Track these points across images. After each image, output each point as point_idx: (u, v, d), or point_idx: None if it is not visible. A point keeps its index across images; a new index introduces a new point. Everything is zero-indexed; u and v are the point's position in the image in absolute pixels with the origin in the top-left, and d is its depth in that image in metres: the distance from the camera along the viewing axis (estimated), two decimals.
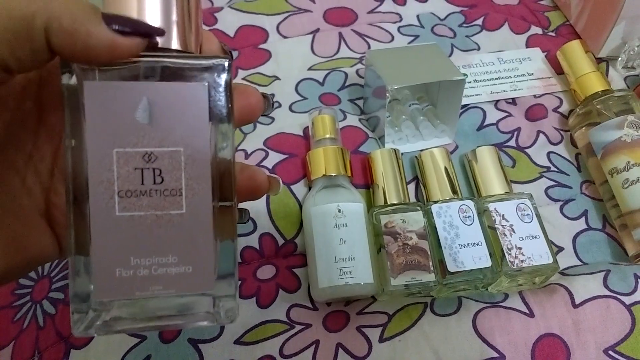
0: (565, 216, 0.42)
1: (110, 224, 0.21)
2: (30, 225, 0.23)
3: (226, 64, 0.22)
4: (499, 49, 0.53)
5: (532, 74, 0.51)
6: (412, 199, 0.42)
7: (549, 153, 0.45)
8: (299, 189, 0.41)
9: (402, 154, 0.43)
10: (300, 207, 0.40)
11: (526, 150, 0.45)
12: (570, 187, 0.43)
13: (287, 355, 0.35)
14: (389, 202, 0.39)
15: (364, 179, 0.43)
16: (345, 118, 0.46)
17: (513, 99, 0.49)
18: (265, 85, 0.50)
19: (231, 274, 0.22)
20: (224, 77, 0.22)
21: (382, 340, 0.35)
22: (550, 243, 0.37)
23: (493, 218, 0.37)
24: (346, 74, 0.50)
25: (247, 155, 0.43)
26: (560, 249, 0.40)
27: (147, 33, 0.20)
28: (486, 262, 0.36)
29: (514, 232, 0.37)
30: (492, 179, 0.40)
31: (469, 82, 0.49)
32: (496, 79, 0.50)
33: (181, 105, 0.21)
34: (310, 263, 0.37)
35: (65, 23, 0.18)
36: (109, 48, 0.19)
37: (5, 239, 0.22)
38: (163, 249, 0.21)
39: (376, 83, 0.43)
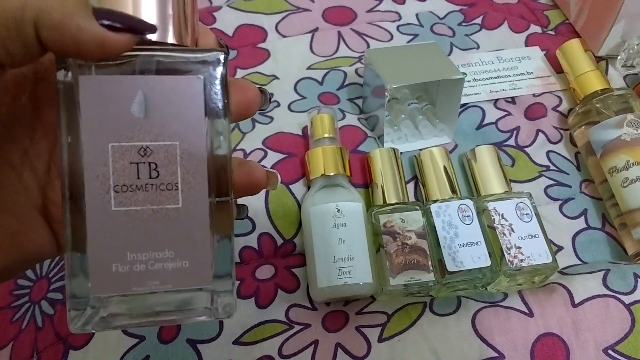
0: (564, 215, 0.42)
1: (106, 219, 0.21)
2: (27, 222, 0.23)
3: (222, 57, 0.22)
4: (498, 48, 0.53)
5: (532, 72, 0.51)
6: (411, 198, 0.42)
7: (548, 152, 0.45)
8: (298, 188, 0.41)
9: (401, 153, 0.43)
10: (299, 206, 0.40)
11: (525, 149, 0.45)
12: (570, 186, 0.43)
13: (286, 356, 0.35)
14: (388, 202, 0.39)
15: (363, 179, 0.43)
16: (344, 117, 0.46)
17: (512, 97, 0.49)
18: (264, 85, 0.50)
19: (228, 269, 0.22)
20: (219, 70, 0.22)
21: (381, 340, 0.35)
22: (549, 242, 0.37)
23: (492, 217, 0.37)
24: (345, 73, 0.50)
25: (245, 155, 0.43)
26: (560, 248, 0.40)
27: (137, 29, 0.20)
28: (485, 262, 0.36)
29: (513, 232, 0.37)
30: (491, 178, 0.40)
31: (468, 81, 0.49)
32: (495, 77, 0.50)
33: (177, 98, 0.21)
34: (309, 263, 0.37)
35: (56, 17, 0.18)
36: (99, 44, 0.19)
37: (2, 236, 0.22)
38: (159, 243, 0.21)
39: (375, 82, 0.42)
